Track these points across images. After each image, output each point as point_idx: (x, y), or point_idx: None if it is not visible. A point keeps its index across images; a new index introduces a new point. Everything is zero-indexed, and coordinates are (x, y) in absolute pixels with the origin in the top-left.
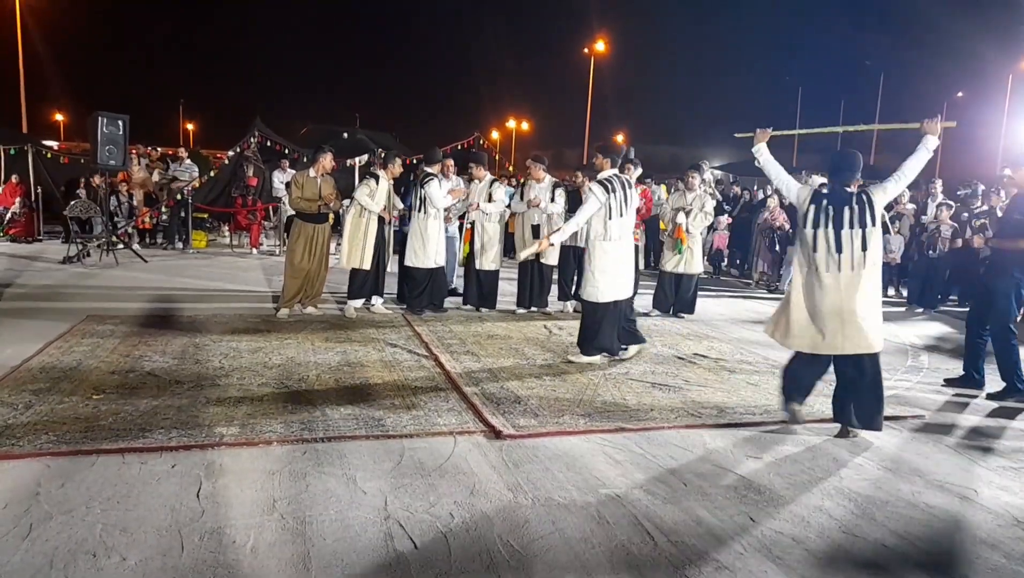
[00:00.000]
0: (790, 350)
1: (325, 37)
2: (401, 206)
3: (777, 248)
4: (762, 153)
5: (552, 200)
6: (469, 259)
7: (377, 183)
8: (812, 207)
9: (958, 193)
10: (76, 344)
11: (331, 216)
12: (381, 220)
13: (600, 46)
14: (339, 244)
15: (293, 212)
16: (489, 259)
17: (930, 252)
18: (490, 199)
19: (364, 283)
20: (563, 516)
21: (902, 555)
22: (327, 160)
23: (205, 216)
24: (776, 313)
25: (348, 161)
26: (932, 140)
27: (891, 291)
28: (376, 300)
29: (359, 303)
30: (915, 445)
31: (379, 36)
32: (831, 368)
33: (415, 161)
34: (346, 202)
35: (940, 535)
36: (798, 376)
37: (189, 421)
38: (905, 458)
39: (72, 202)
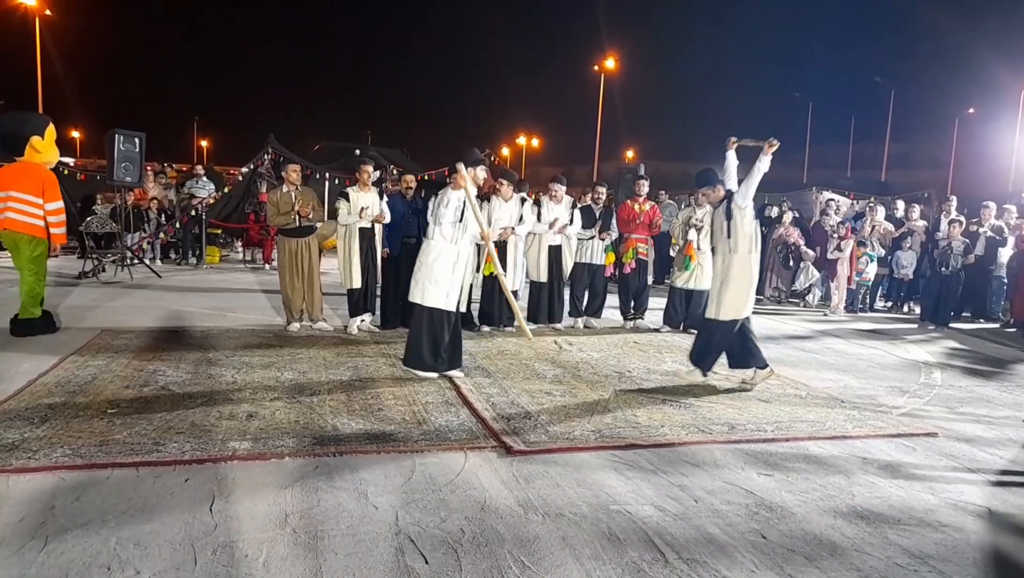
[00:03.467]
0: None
1: (338, 55)
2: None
3: (791, 263)
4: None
5: (571, 221)
6: (494, 279)
7: (348, 199)
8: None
9: None
10: (91, 358)
11: (332, 232)
12: (365, 237)
13: (610, 63)
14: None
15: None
16: (520, 278)
17: (943, 268)
18: (521, 219)
19: (357, 301)
20: (574, 532)
21: (915, 575)
22: (290, 171)
23: (218, 232)
24: (732, 298)
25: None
26: (766, 159)
27: (904, 308)
28: (366, 317)
29: (357, 321)
30: (928, 463)
31: (391, 54)
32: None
33: (425, 177)
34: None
35: (954, 554)
36: (731, 344)
37: (202, 435)
38: (918, 476)
39: (88, 218)
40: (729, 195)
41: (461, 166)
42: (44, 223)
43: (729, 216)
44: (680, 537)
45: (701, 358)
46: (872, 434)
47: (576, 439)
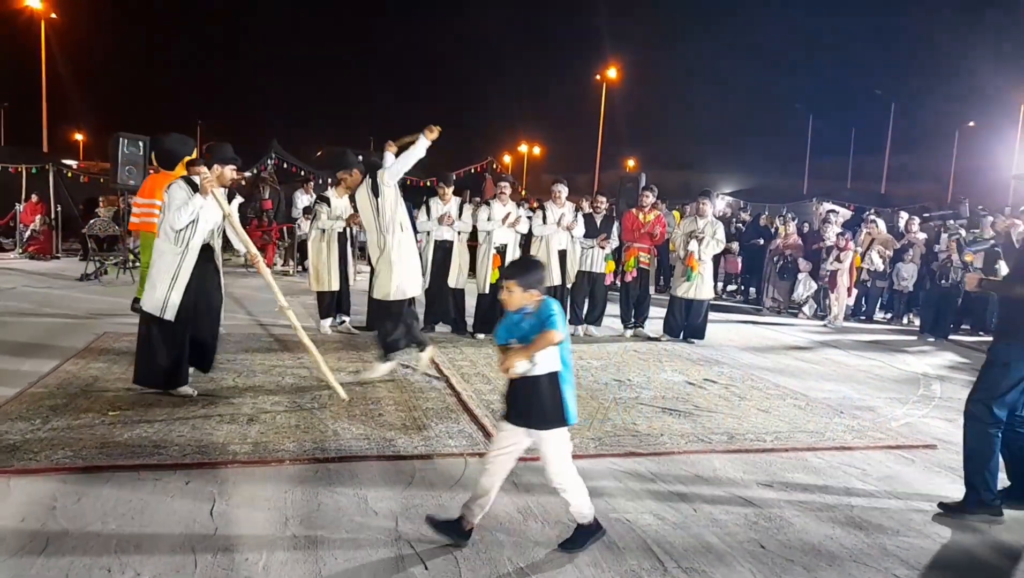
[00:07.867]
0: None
1: (341, 62)
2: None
3: (788, 274)
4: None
5: (575, 220)
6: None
7: (330, 204)
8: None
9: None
10: (92, 361)
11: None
12: (342, 241)
13: (612, 72)
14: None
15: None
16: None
17: (942, 281)
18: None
19: (330, 303)
20: None
21: None
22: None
23: None
24: (398, 277)
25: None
26: (424, 141)
27: (904, 319)
28: (345, 319)
29: (329, 322)
30: (927, 475)
31: (394, 60)
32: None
33: (427, 184)
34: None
35: (951, 567)
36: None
37: (203, 439)
38: (917, 488)
39: (91, 220)
40: (375, 172)
41: (203, 169)
42: None
43: (376, 192)
44: (679, 546)
45: (389, 347)
46: (871, 445)
47: (576, 447)
